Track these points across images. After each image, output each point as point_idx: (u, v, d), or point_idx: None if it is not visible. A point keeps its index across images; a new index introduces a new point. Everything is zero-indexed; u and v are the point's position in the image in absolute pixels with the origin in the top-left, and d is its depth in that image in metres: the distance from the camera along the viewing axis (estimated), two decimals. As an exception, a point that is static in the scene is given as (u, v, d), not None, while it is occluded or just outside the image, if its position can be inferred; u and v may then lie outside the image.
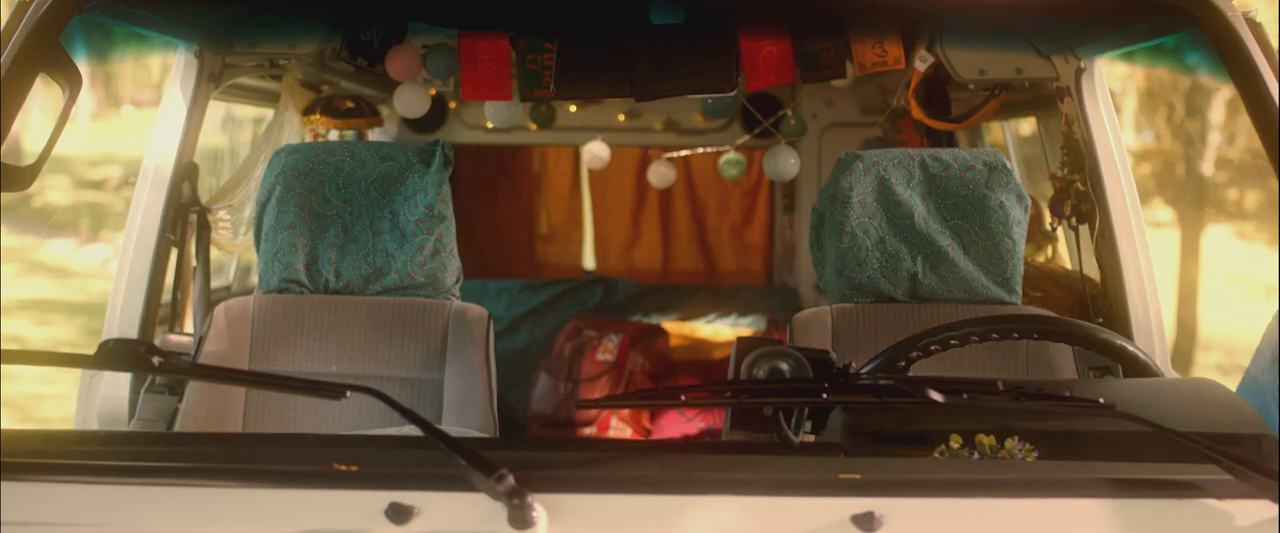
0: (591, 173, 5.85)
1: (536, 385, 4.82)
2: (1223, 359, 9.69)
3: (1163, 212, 11.25)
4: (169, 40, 2.65)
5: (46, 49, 1.81)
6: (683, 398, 1.40)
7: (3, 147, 1.74)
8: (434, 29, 2.88)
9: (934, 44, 2.79)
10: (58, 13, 1.82)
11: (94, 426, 2.58)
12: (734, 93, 2.88)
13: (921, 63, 2.94)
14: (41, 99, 1.93)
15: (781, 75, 2.81)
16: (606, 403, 1.42)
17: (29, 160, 1.83)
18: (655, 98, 2.61)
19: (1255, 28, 1.86)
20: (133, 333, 2.62)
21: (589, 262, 6.09)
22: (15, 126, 1.78)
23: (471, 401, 2.46)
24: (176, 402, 2.42)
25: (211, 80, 2.77)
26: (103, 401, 2.60)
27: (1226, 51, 1.82)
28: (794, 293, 5.45)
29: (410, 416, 1.37)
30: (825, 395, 1.37)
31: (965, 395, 1.38)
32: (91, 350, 1.52)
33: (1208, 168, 11.35)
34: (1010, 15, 2.44)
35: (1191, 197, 11.08)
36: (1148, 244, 2.70)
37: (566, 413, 4.60)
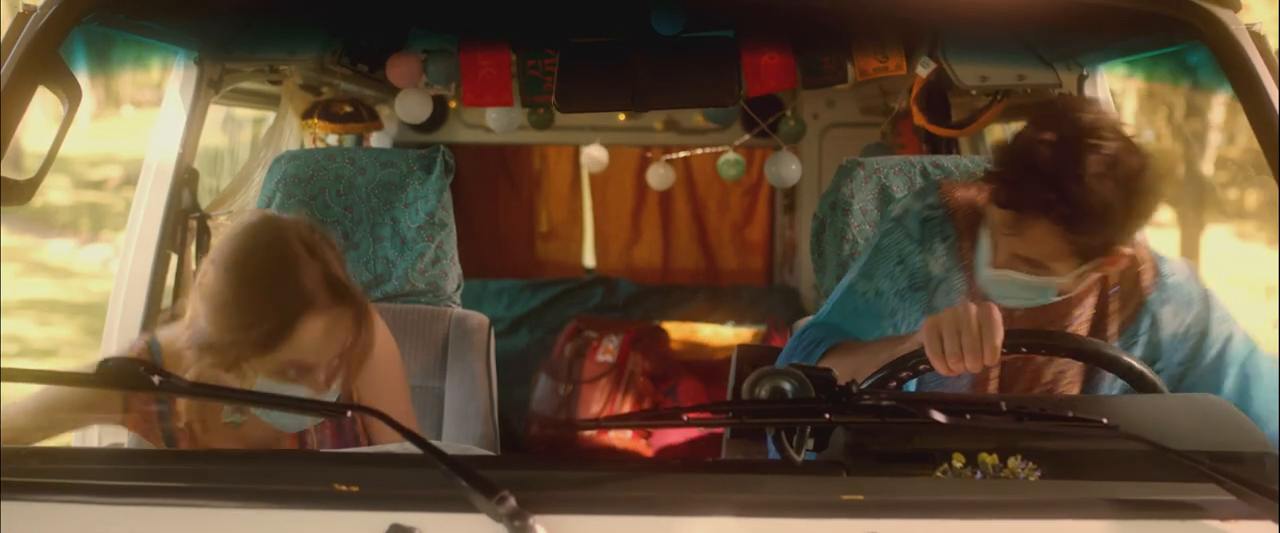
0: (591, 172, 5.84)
1: (537, 386, 4.82)
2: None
3: (1163, 212, 11.24)
4: (168, 48, 2.65)
5: (46, 61, 1.80)
6: (685, 418, 1.40)
7: (2, 160, 1.73)
8: (435, 35, 2.88)
9: (935, 51, 2.79)
10: (57, 25, 1.82)
11: (93, 432, 2.57)
12: (736, 105, 2.88)
13: (923, 69, 2.93)
14: (41, 107, 1.93)
15: (782, 81, 2.80)
16: (609, 423, 1.42)
17: (28, 174, 1.83)
18: (656, 109, 2.61)
19: (1259, 41, 1.85)
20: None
21: (589, 260, 6.08)
22: (15, 137, 1.78)
23: (472, 409, 2.46)
24: (177, 409, 2.42)
25: (211, 86, 2.76)
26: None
27: (1230, 65, 1.82)
28: (794, 293, 5.45)
29: (410, 436, 1.37)
30: (827, 416, 1.37)
31: (968, 416, 1.38)
32: (92, 351, 1.51)
33: (1208, 168, 11.35)
34: (1012, 27, 2.44)
35: (1191, 197, 11.09)
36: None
37: (567, 415, 4.60)
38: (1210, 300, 2.07)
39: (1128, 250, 1.93)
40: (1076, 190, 1.79)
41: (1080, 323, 2.06)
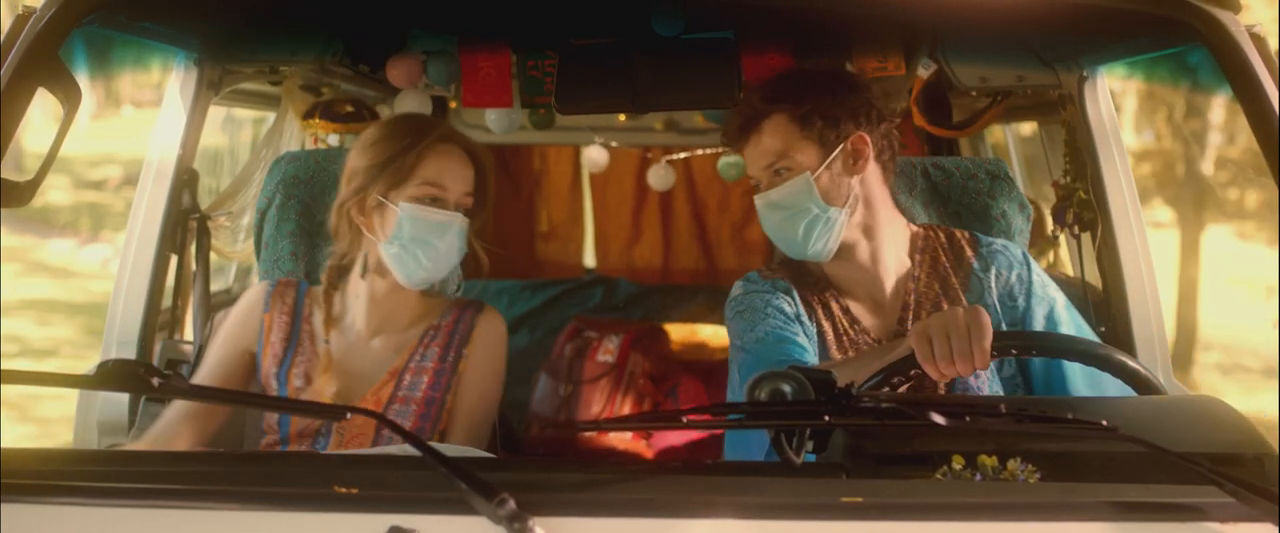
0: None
1: (537, 387, 4.81)
2: (1223, 359, 9.69)
3: (1163, 212, 11.26)
4: (168, 49, 2.65)
5: (46, 62, 1.80)
6: (684, 420, 1.40)
7: (2, 161, 1.73)
8: (435, 36, 2.88)
9: (935, 52, 2.79)
10: (56, 26, 1.82)
11: (94, 434, 2.57)
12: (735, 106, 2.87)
13: (923, 70, 2.93)
14: (41, 108, 1.93)
15: (782, 82, 2.80)
16: (609, 425, 1.42)
17: (28, 174, 1.83)
18: (656, 110, 2.60)
19: (1259, 42, 1.85)
20: (133, 342, 2.61)
21: (589, 260, 6.08)
22: (15, 138, 1.78)
23: (472, 410, 2.45)
24: (177, 410, 2.42)
25: (211, 87, 2.76)
26: (102, 408, 2.59)
27: (1229, 66, 1.82)
28: (794, 293, 5.44)
29: (408, 437, 1.37)
30: (827, 418, 1.37)
31: (967, 418, 1.38)
32: (93, 351, 1.52)
33: (1208, 168, 11.36)
34: (1012, 28, 2.44)
35: (1191, 197, 11.08)
36: (1150, 253, 2.69)
37: (567, 415, 4.59)
38: (1031, 263, 2.23)
39: (862, 133, 2.18)
40: (770, 80, 2.25)
41: (918, 294, 2.20)
